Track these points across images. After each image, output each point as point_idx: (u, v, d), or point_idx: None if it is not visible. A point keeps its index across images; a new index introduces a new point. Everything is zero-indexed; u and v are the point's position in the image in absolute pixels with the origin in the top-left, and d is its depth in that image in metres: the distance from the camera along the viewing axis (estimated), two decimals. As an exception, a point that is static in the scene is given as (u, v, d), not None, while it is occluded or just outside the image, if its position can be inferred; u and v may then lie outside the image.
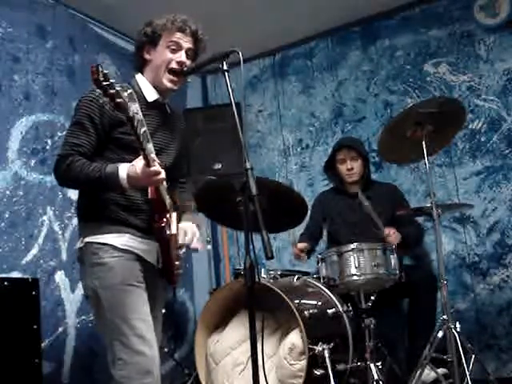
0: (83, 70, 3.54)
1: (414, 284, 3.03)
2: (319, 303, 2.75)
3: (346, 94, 4.21)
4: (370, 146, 3.96)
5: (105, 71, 1.56)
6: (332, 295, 2.83)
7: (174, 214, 2.06)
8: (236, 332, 2.77)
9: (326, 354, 2.46)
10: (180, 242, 2.08)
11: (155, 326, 1.98)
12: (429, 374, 2.74)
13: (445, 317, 2.62)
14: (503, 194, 3.54)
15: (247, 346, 2.25)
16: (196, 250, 2.18)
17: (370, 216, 3.03)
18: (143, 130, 1.73)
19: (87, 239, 1.96)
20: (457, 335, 2.56)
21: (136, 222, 1.98)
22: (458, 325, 2.60)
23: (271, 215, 2.03)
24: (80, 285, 2.62)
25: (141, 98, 1.99)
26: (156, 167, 1.78)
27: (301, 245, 3.26)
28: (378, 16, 4.08)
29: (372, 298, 2.79)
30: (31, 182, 3.13)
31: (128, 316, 1.86)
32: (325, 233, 3.58)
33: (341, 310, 2.76)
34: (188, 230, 2.12)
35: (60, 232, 3.24)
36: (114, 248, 1.93)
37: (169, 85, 2.04)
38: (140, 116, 1.73)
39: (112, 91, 1.59)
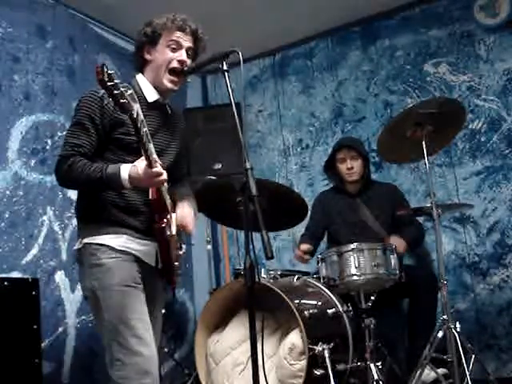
0: (83, 70, 3.55)
1: (414, 284, 3.03)
2: (319, 303, 2.75)
3: (345, 93, 4.21)
4: (370, 146, 3.95)
5: (110, 71, 1.56)
6: (332, 295, 2.83)
7: (174, 215, 2.06)
8: (236, 332, 2.77)
9: (326, 354, 2.46)
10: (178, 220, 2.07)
11: (155, 327, 1.98)
12: (429, 373, 2.74)
13: (445, 317, 2.62)
14: (503, 194, 3.54)
15: (247, 346, 2.25)
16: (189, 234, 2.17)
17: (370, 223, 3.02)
18: (144, 130, 1.73)
19: (86, 240, 1.96)
20: (457, 335, 2.56)
21: (135, 223, 1.98)
22: (458, 325, 2.60)
23: (271, 215, 2.04)
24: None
25: (141, 98, 1.99)
26: (158, 168, 1.78)
27: (304, 246, 3.25)
28: (378, 16, 4.09)
29: (372, 298, 2.78)
30: (31, 182, 3.14)
31: (126, 316, 1.86)
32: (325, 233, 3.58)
33: (341, 310, 2.76)
34: (186, 210, 2.11)
35: (60, 232, 3.24)
36: (112, 249, 1.92)
37: (169, 85, 2.04)
38: (141, 116, 1.73)
39: (117, 92, 1.58)
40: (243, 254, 1.78)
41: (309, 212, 3.10)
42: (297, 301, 2.61)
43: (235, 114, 1.78)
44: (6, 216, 2.97)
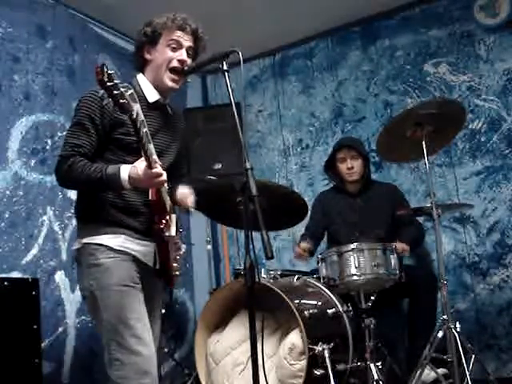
0: (83, 70, 3.55)
1: (414, 284, 3.03)
2: (319, 303, 2.75)
3: (346, 93, 4.21)
4: (370, 146, 3.95)
5: (109, 71, 1.56)
6: (332, 295, 2.83)
7: (174, 216, 2.06)
8: (236, 332, 2.77)
9: (326, 354, 2.46)
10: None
11: (154, 327, 1.98)
12: (429, 373, 2.74)
13: (445, 317, 2.62)
14: (503, 194, 3.54)
15: (247, 345, 2.25)
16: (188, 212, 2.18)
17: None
18: (144, 130, 1.73)
19: (84, 240, 1.96)
20: (457, 335, 2.56)
21: (134, 224, 1.98)
22: (458, 325, 2.60)
23: (271, 215, 2.04)
24: (80, 285, 2.62)
25: (142, 98, 1.98)
26: (158, 169, 1.78)
27: (303, 244, 3.26)
28: (378, 16, 4.09)
29: (372, 298, 2.78)
30: (31, 182, 3.14)
31: (124, 316, 1.86)
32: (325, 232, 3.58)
33: (341, 310, 2.76)
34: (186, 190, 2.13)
35: (60, 232, 3.24)
36: (110, 249, 1.92)
37: (170, 84, 2.03)
38: (141, 117, 1.72)
39: (116, 92, 1.58)
40: (243, 254, 1.77)
41: (309, 212, 3.10)
42: (297, 301, 2.61)
43: (235, 113, 1.78)
44: (6, 216, 2.97)
